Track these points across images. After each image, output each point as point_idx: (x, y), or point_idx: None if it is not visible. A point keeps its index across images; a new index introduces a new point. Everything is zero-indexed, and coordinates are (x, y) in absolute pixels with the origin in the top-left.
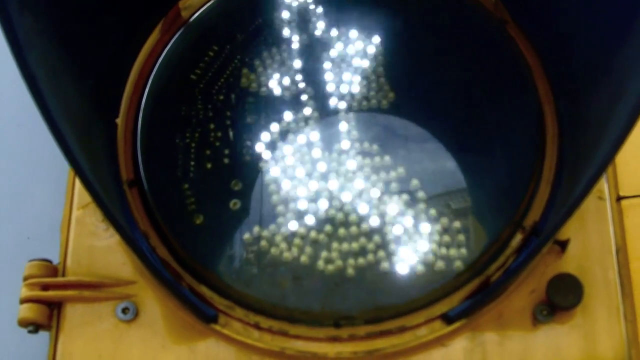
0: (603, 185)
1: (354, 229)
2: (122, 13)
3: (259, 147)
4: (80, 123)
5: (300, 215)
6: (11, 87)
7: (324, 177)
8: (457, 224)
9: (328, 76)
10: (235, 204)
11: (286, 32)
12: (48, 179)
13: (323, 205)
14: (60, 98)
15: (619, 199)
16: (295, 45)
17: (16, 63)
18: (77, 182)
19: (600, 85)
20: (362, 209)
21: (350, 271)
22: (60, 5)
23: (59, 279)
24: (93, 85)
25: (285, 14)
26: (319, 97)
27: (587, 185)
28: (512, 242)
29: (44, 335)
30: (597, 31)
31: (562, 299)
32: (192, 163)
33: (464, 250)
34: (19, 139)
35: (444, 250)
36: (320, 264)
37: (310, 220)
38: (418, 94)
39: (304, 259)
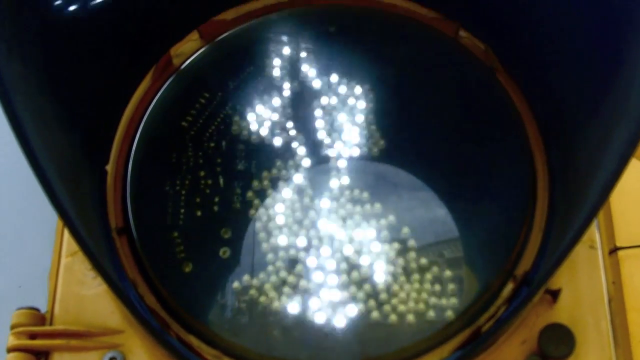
0: (595, 234)
1: (344, 277)
2: (113, 60)
3: (250, 195)
4: (69, 169)
5: (290, 264)
6: (5, 135)
7: (314, 224)
8: (448, 273)
9: (319, 124)
10: (224, 252)
11: (277, 80)
12: (42, 226)
13: (313, 253)
14: (48, 144)
15: (615, 249)
16: (287, 93)
17: (2, 107)
18: (66, 230)
19: (588, 132)
20: (353, 257)
21: (340, 321)
22: (50, 51)
23: (47, 328)
24: (82, 132)
25: (277, 62)
26: (310, 145)
27: (577, 233)
28: (503, 291)
29: None
30: (584, 80)
31: (554, 349)
32: (182, 210)
33: (454, 300)
34: (11, 187)
35: (434, 300)
36: (310, 313)
37: (300, 268)
38: (409, 142)
39: (293, 308)
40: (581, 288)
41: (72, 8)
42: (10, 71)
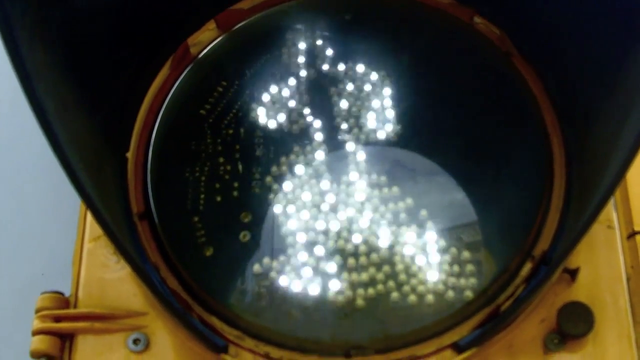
0: (612, 213)
1: (363, 259)
2: (132, 50)
3: (268, 180)
4: (91, 156)
5: (309, 247)
6: (27, 128)
7: (333, 208)
8: (466, 254)
9: (336, 110)
10: (244, 235)
11: (294, 67)
12: (63, 215)
13: (332, 236)
14: (70, 131)
15: (634, 234)
16: (303, 80)
17: (25, 94)
18: (89, 216)
19: (604, 113)
20: (371, 239)
21: (360, 301)
22: (71, 40)
23: (71, 311)
24: (103, 119)
25: (293, 50)
26: (327, 130)
27: (594, 211)
28: (521, 271)
29: None
30: (600, 61)
31: (572, 327)
32: (202, 196)
33: (473, 280)
34: (34, 177)
35: (453, 280)
36: (330, 294)
37: (319, 251)
38: (425, 126)
39: (313, 289)
40: (599, 267)
41: (93, 2)
42: (33, 59)
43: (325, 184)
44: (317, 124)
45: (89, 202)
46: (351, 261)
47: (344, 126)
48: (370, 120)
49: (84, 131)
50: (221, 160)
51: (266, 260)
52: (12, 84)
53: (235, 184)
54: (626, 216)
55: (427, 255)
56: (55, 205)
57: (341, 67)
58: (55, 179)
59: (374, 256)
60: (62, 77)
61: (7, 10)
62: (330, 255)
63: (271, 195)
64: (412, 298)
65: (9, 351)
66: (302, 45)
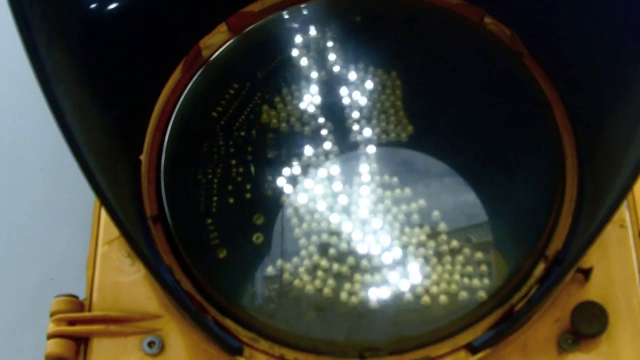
0: (625, 213)
1: (376, 260)
2: (145, 54)
3: (280, 182)
4: (106, 159)
5: (322, 248)
6: (35, 133)
7: (345, 209)
8: (479, 255)
9: (347, 111)
10: (257, 237)
11: (305, 69)
12: (70, 221)
13: (345, 237)
14: (86, 133)
15: None
16: (314, 82)
17: (44, 96)
18: (102, 220)
19: (618, 113)
20: (384, 240)
21: (373, 303)
22: (87, 44)
23: (86, 314)
24: (117, 123)
25: (304, 52)
26: (339, 132)
27: (608, 212)
28: (534, 271)
29: None
30: (613, 60)
31: (586, 326)
32: (215, 198)
33: (486, 281)
34: (43, 183)
35: (466, 281)
36: (344, 295)
37: (332, 252)
38: (436, 127)
39: (327, 291)
40: (612, 266)
41: (109, 7)
42: (52, 61)
43: (337, 185)
44: (329, 125)
45: (105, 203)
46: (364, 262)
47: (356, 127)
48: (382, 122)
49: (99, 133)
50: (233, 162)
51: (279, 262)
52: (23, 86)
53: (248, 186)
54: (634, 211)
55: (440, 257)
56: (64, 210)
57: (352, 68)
58: (63, 185)
59: (386, 257)
60: (79, 78)
61: (25, 13)
62: (343, 256)
63: (283, 197)
64: (426, 299)
65: (20, 356)
66: (312, 47)
